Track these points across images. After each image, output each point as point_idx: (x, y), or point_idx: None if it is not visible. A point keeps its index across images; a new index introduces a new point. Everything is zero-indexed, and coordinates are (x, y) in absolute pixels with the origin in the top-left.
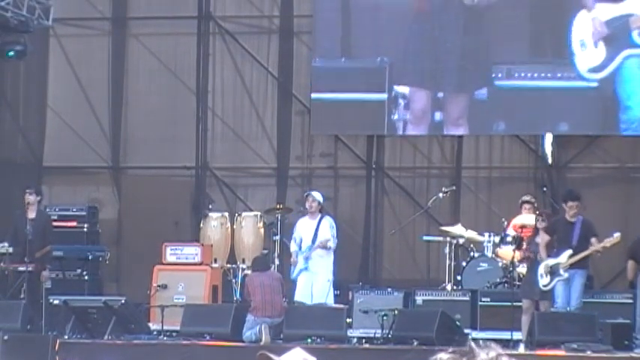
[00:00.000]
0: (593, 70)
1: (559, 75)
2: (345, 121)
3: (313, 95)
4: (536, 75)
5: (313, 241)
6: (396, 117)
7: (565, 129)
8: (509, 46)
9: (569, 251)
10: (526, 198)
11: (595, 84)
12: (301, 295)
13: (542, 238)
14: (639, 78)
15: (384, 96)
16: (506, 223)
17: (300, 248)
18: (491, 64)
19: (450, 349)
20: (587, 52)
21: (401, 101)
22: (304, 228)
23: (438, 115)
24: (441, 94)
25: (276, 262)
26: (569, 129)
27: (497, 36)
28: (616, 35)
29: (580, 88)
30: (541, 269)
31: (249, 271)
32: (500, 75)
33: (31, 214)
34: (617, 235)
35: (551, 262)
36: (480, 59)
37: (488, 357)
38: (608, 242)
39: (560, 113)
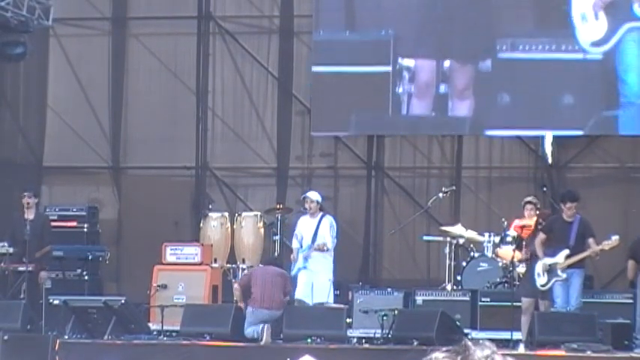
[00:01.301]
0: (596, 44)
1: (563, 48)
2: (351, 98)
3: (314, 68)
4: (540, 47)
5: (313, 240)
6: (400, 90)
7: (570, 102)
8: (513, 19)
9: (566, 251)
10: (529, 199)
11: (599, 56)
12: (302, 294)
13: (539, 237)
14: (635, 52)
15: (388, 69)
16: (506, 223)
17: (301, 246)
18: (496, 37)
19: (445, 348)
20: (589, 25)
21: (405, 74)
22: (305, 226)
23: (442, 88)
24: (446, 66)
25: None
26: (574, 102)
27: (502, 8)
28: (617, 7)
29: (584, 61)
30: (538, 268)
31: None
32: (504, 47)
33: (30, 216)
34: (615, 237)
35: (549, 261)
36: (484, 31)
37: (482, 354)
38: (606, 245)
39: (565, 86)
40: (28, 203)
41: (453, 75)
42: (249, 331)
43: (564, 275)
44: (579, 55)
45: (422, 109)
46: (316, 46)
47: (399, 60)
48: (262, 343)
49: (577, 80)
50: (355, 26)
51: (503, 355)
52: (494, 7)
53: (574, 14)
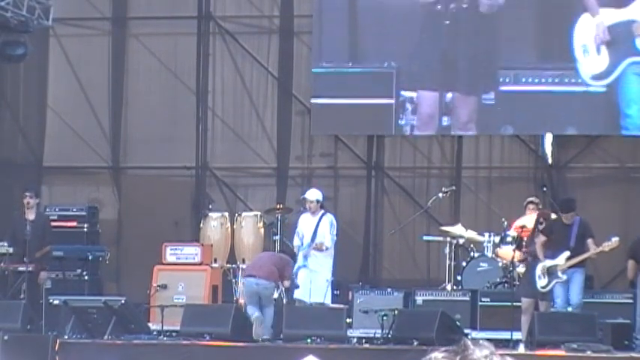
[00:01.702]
0: (597, 78)
1: (566, 80)
2: (349, 124)
3: (313, 101)
4: (543, 80)
5: (312, 238)
6: (402, 122)
7: (573, 133)
8: (516, 51)
9: (567, 253)
10: (531, 199)
11: (602, 89)
12: (300, 294)
13: (539, 239)
14: (638, 85)
15: (391, 101)
16: (506, 223)
17: (301, 244)
18: (499, 69)
19: (444, 348)
20: (590, 59)
21: (408, 106)
22: (306, 224)
23: (445, 120)
24: (449, 99)
25: None
26: (576, 133)
27: (505, 41)
28: (619, 42)
29: (587, 93)
30: (538, 270)
31: None
32: (507, 80)
33: (31, 216)
34: (615, 239)
35: (549, 263)
36: (487, 64)
37: (481, 354)
38: (606, 246)
39: (567, 118)
40: (28, 203)
41: (455, 107)
42: (248, 309)
43: (565, 277)
44: (582, 88)
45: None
46: (316, 78)
47: (402, 92)
48: (254, 336)
49: (579, 113)
50: (358, 58)
51: (502, 355)
52: (497, 40)
53: (575, 47)
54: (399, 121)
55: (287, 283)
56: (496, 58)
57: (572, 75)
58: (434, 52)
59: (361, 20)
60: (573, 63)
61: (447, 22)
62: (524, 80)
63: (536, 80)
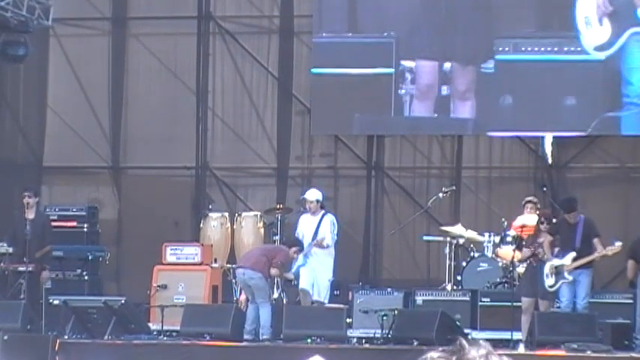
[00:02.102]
0: (600, 49)
1: (565, 49)
2: (354, 100)
3: (314, 70)
4: (542, 49)
5: (313, 237)
6: (402, 92)
7: (572, 103)
8: (515, 20)
9: (573, 253)
10: (529, 198)
11: (602, 57)
12: (304, 284)
13: (546, 238)
14: None
15: (390, 70)
16: (506, 223)
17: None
18: (498, 38)
19: (441, 348)
20: (593, 30)
21: (408, 75)
22: (306, 224)
23: (444, 89)
24: (447, 67)
25: None
26: (576, 103)
27: (504, 9)
28: (621, 13)
29: (587, 61)
30: (546, 269)
31: None
32: (507, 49)
33: (30, 215)
34: (618, 244)
35: (557, 262)
36: (486, 33)
37: (478, 354)
38: (610, 250)
39: (567, 87)
40: (28, 203)
41: (454, 77)
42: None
43: (571, 277)
44: (582, 57)
45: (424, 110)
46: (317, 47)
47: (401, 62)
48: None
49: (579, 81)
50: (357, 28)
51: (500, 355)
52: (496, 9)
53: (578, 18)
54: (399, 91)
55: (274, 271)
56: (495, 28)
57: (572, 43)
58: (432, 21)
59: None
60: (575, 33)
61: None
62: (523, 49)
63: (536, 49)
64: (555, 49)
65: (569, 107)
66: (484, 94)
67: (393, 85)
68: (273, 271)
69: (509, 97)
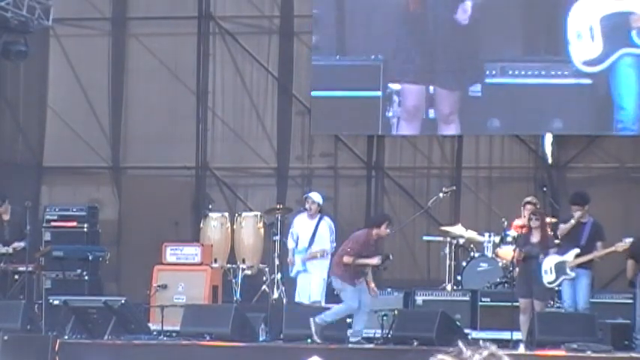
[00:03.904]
0: (589, 64)
1: (553, 73)
2: (343, 120)
3: (313, 93)
4: (530, 73)
5: (310, 242)
6: (390, 114)
7: (559, 126)
8: (503, 44)
9: (577, 250)
10: (528, 199)
11: (589, 81)
12: (301, 297)
13: (561, 227)
14: (633, 78)
15: (378, 93)
16: (506, 223)
17: (296, 245)
18: (485, 62)
19: (440, 355)
20: (584, 44)
21: (395, 98)
22: (302, 226)
23: (431, 113)
24: (432, 91)
25: (276, 261)
26: (563, 127)
27: (491, 33)
28: (615, 32)
29: (574, 85)
30: (546, 265)
31: (248, 272)
32: (494, 72)
33: (5, 217)
34: (628, 240)
35: (558, 259)
36: (473, 57)
37: (479, 358)
38: (620, 247)
39: (555, 111)
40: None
41: (438, 100)
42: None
43: (573, 274)
44: (571, 80)
45: (412, 131)
46: (314, 70)
47: (389, 85)
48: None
49: (568, 104)
50: (346, 51)
51: (504, 355)
52: (483, 32)
53: (569, 31)
54: (387, 114)
55: (346, 259)
56: (482, 51)
57: (561, 67)
58: (419, 44)
59: (349, 15)
60: (564, 46)
61: (432, 15)
62: (510, 73)
63: (523, 73)
64: (543, 72)
65: (558, 131)
66: (470, 117)
67: (381, 107)
68: (346, 259)
69: (496, 120)
